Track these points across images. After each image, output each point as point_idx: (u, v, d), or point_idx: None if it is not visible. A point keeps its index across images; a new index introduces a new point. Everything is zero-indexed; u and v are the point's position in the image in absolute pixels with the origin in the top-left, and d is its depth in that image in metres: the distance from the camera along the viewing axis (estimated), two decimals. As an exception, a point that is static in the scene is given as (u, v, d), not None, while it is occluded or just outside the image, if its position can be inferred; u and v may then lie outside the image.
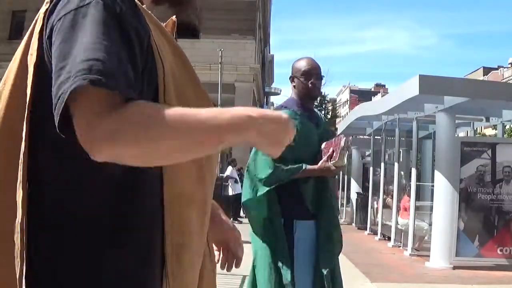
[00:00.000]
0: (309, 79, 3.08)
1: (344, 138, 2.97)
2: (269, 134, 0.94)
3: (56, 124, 0.86)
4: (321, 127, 3.20)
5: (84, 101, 0.85)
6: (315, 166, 2.98)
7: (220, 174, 13.64)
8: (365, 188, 14.66)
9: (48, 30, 0.97)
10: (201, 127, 0.89)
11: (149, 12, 1.07)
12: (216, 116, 0.90)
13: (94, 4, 0.93)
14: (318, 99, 38.57)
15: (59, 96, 0.85)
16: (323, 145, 3.04)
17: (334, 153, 2.92)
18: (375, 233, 11.95)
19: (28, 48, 1.03)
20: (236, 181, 14.00)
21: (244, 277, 5.94)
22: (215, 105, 1.14)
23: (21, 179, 0.98)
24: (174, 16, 1.20)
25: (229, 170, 14.20)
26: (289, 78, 3.20)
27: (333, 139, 3.05)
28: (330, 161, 2.95)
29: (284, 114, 0.98)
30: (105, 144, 0.84)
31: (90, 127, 0.85)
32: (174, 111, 0.88)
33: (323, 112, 39.44)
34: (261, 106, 37.60)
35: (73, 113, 0.86)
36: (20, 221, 0.97)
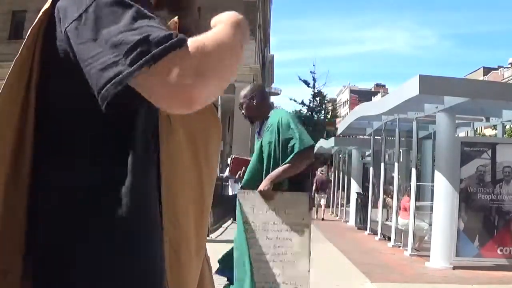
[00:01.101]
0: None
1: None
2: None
3: (107, 100, 0.87)
4: (264, 135, 3.71)
5: (158, 68, 0.85)
6: None
7: (220, 174, 13.63)
8: (365, 188, 14.66)
9: (66, 25, 0.96)
10: (234, 41, 0.98)
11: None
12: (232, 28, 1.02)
13: None
14: (318, 99, 38.62)
15: (117, 75, 0.85)
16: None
17: None
18: (375, 233, 11.96)
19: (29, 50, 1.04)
20: (236, 181, 13.98)
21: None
22: (216, 108, 1.17)
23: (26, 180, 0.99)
24: (177, 17, 1.22)
25: (228, 170, 14.19)
26: None
27: None
28: None
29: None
30: (199, 81, 0.86)
31: (177, 76, 0.85)
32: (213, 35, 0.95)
33: (323, 112, 39.37)
34: (261, 106, 37.60)
35: (143, 83, 0.86)
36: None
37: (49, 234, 0.98)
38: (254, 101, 3.81)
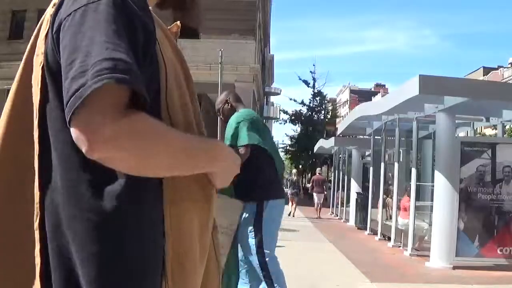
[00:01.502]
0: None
1: None
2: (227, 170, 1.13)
3: (68, 117, 0.87)
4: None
5: (99, 100, 0.86)
6: None
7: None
8: (365, 188, 14.67)
9: (56, 25, 0.97)
10: (190, 158, 1.01)
11: (154, 14, 1.08)
12: (202, 152, 1.04)
13: (106, 1, 0.93)
14: (318, 99, 38.60)
15: (76, 90, 0.86)
16: None
17: None
18: (375, 233, 11.96)
19: (33, 49, 1.04)
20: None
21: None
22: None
23: (37, 180, 0.99)
24: (179, 22, 1.22)
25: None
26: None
27: None
28: None
29: (238, 159, 1.20)
30: (103, 147, 0.87)
31: (95, 127, 0.86)
32: (172, 134, 0.97)
33: (323, 112, 39.36)
34: (261, 106, 37.55)
35: (80, 108, 0.86)
36: (38, 221, 0.98)
37: (49, 228, 0.98)
38: (229, 105, 4.08)
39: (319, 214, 18.14)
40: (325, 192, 19.95)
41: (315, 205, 18.68)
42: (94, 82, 0.85)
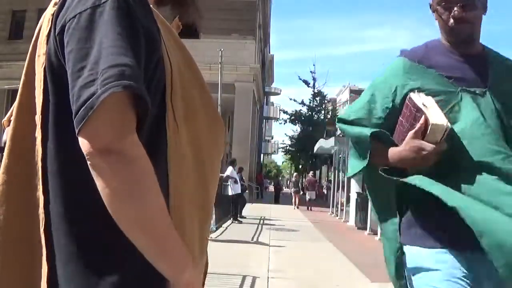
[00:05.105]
0: (448, 8, 1.74)
1: (415, 94, 1.69)
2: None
3: (77, 127, 0.86)
4: (496, 79, 1.76)
5: (107, 110, 0.85)
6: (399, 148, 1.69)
7: (220, 174, 13.62)
8: (365, 188, 14.67)
9: (59, 27, 0.95)
10: (161, 242, 0.92)
11: (156, 11, 1.07)
12: (178, 248, 0.94)
13: (110, 3, 0.92)
14: (318, 99, 38.58)
15: (86, 100, 0.85)
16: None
17: (417, 125, 1.62)
18: (375, 233, 11.96)
19: (35, 51, 1.03)
20: (236, 181, 13.97)
21: (244, 277, 5.93)
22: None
23: (41, 184, 0.98)
24: (177, 18, 1.21)
25: (229, 170, 14.16)
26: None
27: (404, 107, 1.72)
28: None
29: None
30: (99, 161, 0.86)
31: (102, 140, 0.85)
32: (164, 214, 0.92)
33: (323, 112, 39.39)
34: (261, 106, 37.58)
35: (89, 119, 0.86)
36: (43, 226, 0.97)
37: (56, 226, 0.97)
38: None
39: (310, 208, 22.44)
40: (316, 190, 25.74)
41: (306, 200, 23.26)
42: (103, 92, 0.84)
